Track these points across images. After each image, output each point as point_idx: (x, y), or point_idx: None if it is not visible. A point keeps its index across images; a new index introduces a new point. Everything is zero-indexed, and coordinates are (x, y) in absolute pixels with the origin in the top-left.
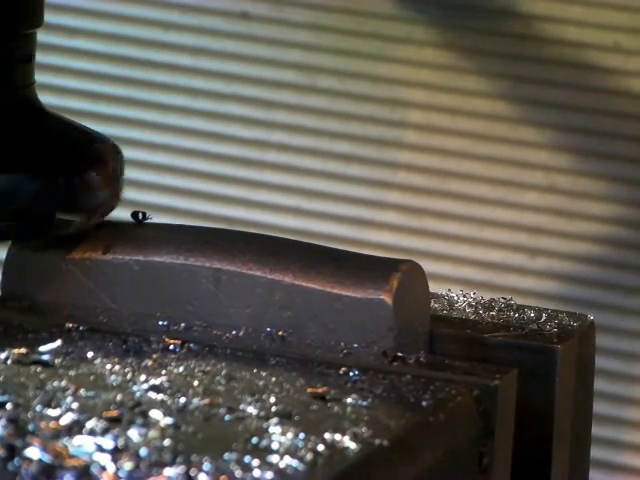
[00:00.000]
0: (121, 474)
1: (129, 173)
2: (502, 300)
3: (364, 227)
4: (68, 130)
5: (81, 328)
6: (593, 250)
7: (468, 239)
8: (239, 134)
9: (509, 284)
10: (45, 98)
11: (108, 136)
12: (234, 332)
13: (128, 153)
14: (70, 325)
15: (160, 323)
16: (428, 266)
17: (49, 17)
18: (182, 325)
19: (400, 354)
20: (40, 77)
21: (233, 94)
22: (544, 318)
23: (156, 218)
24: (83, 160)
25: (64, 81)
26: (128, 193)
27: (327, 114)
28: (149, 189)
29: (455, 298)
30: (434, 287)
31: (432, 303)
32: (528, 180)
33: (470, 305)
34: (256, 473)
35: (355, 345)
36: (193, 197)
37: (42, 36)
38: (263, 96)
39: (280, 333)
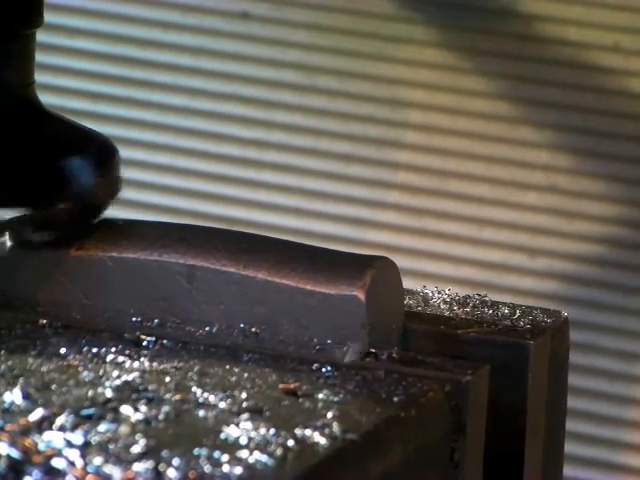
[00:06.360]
0: (90, 469)
1: (129, 173)
2: (477, 296)
3: (364, 227)
4: (68, 130)
5: (54, 324)
6: (593, 250)
7: (468, 239)
8: (239, 134)
9: (509, 284)
10: (45, 98)
11: (108, 136)
12: (207, 328)
13: (128, 153)
14: (43, 321)
15: (134, 319)
16: (428, 266)
17: (49, 17)
18: (156, 321)
19: (372, 350)
20: (40, 77)
21: (233, 94)
22: (518, 314)
23: (156, 218)
24: (82, 160)
25: (64, 81)
26: (128, 193)
27: (327, 114)
28: (149, 189)
29: (430, 294)
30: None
31: (407, 299)
32: (528, 180)
33: (445, 302)
34: (225, 468)
35: (328, 341)
36: (193, 197)
37: (42, 36)
38: (263, 96)
39: (253, 329)
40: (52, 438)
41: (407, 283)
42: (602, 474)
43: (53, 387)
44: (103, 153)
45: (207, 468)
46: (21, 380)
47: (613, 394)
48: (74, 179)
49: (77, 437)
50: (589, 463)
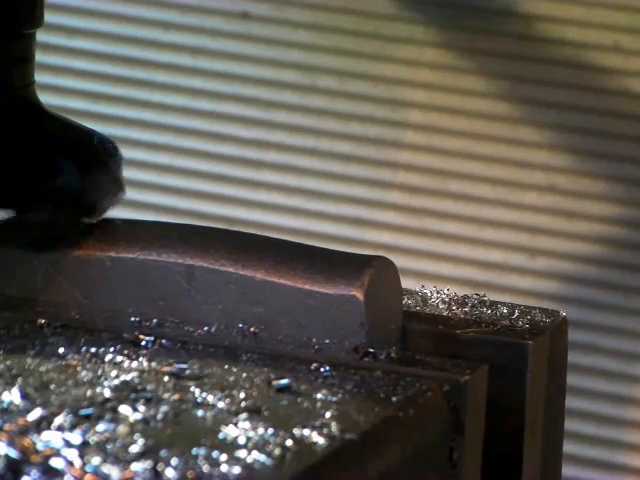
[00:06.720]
0: (88, 469)
1: (129, 173)
2: (475, 296)
3: (364, 227)
4: (68, 130)
5: (53, 324)
6: (593, 250)
7: (468, 239)
8: (239, 134)
9: (509, 284)
10: (45, 98)
11: (108, 136)
12: (206, 328)
13: (128, 153)
14: (42, 321)
15: (132, 319)
16: (428, 266)
17: (49, 17)
18: (154, 321)
19: (371, 350)
20: (40, 77)
21: (233, 94)
22: (516, 314)
23: (156, 218)
24: (82, 160)
25: (64, 81)
26: (128, 193)
27: (327, 114)
28: (149, 189)
29: (429, 294)
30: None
31: (406, 299)
32: (528, 180)
33: (443, 301)
34: (223, 468)
35: (327, 341)
36: (193, 197)
37: (42, 36)
38: (263, 96)
39: (252, 329)
40: (50, 438)
41: (407, 283)
42: (602, 474)
43: (52, 387)
44: (103, 153)
45: (205, 468)
46: (20, 380)
47: (613, 394)
48: (74, 179)
49: (75, 437)
50: (589, 463)
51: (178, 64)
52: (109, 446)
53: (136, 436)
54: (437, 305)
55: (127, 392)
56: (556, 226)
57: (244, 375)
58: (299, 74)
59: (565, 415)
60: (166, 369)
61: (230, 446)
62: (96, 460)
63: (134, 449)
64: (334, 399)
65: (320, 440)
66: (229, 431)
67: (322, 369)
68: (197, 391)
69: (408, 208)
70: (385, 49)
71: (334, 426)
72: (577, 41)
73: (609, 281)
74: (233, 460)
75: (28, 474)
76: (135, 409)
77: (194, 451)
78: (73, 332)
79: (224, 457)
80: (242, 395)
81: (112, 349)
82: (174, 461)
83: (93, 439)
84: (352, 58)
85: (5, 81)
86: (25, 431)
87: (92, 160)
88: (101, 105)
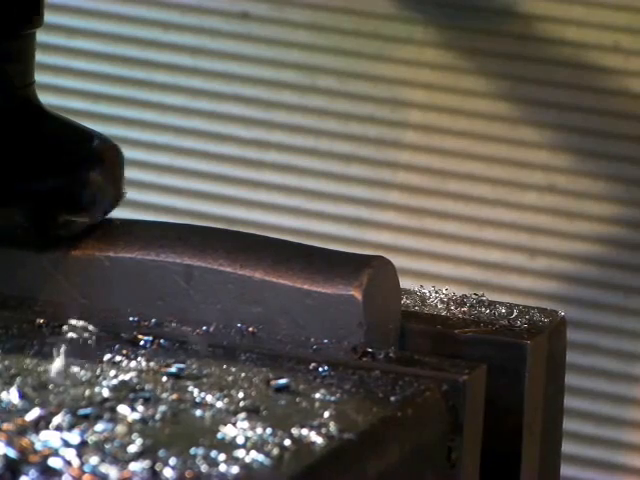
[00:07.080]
0: (86, 469)
1: (129, 173)
2: (474, 296)
3: (364, 227)
4: (68, 130)
5: (52, 324)
6: (593, 250)
7: (468, 239)
8: (239, 134)
9: (509, 284)
10: (45, 98)
11: (108, 136)
12: (205, 328)
13: (128, 153)
14: (41, 321)
15: (131, 319)
16: (428, 266)
17: (49, 17)
18: (153, 321)
19: (369, 350)
20: (40, 77)
21: (233, 94)
22: (515, 314)
23: (156, 218)
24: (83, 160)
25: (64, 81)
26: (128, 193)
27: (327, 114)
28: (149, 189)
29: (427, 294)
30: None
31: (404, 299)
32: (528, 180)
33: (442, 301)
34: (222, 468)
35: (325, 341)
36: (193, 197)
37: (42, 36)
38: (263, 96)
39: (250, 329)
40: (49, 438)
41: (407, 283)
42: (602, 474)
43: (50, 387)
44: (104, 153)
45: (204, 468)
46: (18, 379)
47: (613, 394)
48: (74, 179)
49: (74, 437)
50: (589, 463)
51: (178, 64)
52: (107, 446)
53: (134, 436)
54: (436, 305)
55: (125, 392)
56: (556, 226)
57: (243, 375)
58: (299, 74)
59: (565, 415)
60: (164, 369)
61: (228, 446)
62: (94, 460)
63: (132, 449)
64: (332, 399)
65: (318, 440)
66: (227, 431)
67: (320, 369)
68: (195, 391)
69: (408, 208)
70: (385, 49)
71: (332, 426)
72: (577, 41)
73: (609, 281)
74: (231, 460)
75: (26, 474)
76: (133, 409)
77: (192, 451)
78: (72, 332)
79: (222, 457)
80: (240, 395)
81: (110, 349)
82: (172, 461)
83: (91, 439)
84: (352, 58)
85: (5, 81)
86: (23, 431)
87: (92, 161)
88: (101, 105)
